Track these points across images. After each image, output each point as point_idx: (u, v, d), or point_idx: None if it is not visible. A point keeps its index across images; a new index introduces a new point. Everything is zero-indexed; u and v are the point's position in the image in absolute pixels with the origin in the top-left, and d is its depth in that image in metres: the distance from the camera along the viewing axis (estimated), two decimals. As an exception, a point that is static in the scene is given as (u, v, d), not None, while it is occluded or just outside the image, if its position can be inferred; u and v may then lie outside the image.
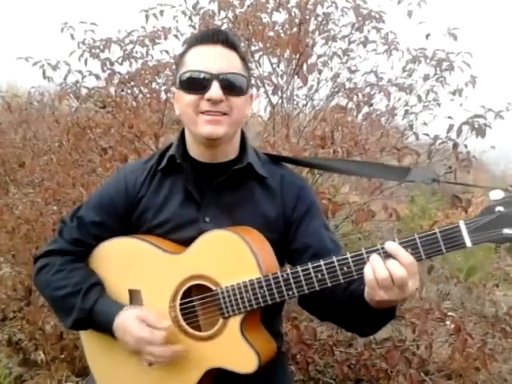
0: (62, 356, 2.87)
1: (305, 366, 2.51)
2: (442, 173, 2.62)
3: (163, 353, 1.21)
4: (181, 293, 1.24)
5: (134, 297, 1.30)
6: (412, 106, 2.96)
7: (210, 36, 1.23)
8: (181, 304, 1.25)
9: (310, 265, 1.14)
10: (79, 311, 1.28)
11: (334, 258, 1.12)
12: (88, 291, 1.29)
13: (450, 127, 2.64)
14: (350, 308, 1.20)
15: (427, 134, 2.83)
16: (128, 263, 1.31)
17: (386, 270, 1.05)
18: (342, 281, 1.12)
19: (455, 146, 2.61)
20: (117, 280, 1.32)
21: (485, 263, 4.17)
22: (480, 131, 2.56)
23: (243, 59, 1.27)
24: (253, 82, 2.61)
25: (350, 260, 1.11)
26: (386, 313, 1.14)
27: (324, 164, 1.57)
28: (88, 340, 1.39)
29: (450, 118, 2.73)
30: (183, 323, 1.25)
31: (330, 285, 1.13)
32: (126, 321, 1.24)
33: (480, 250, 4.99)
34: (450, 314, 2.53)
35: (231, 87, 1.22)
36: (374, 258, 1.07)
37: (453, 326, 2.44)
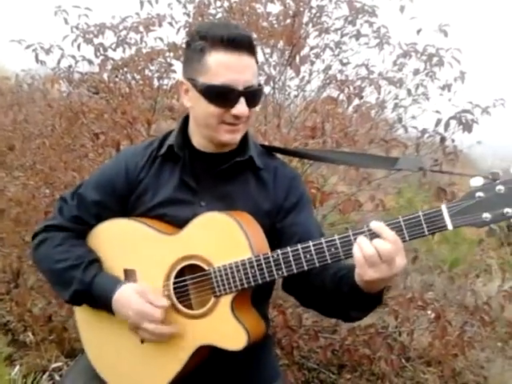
0: (51, 337, 2.90)
1: (290, 351, 2.56)
2: (429, 166, 2.68)
3: (160, 331, 1.25)
4: (174, 272, 1.28)
5: (129, 276, 1.33)
6: (401, 99, 3.00)
7: (235, 42, 1.22)
8: (174, 283, 1.28)
9: (299, 246, 1.19)
10: (79, 283, 1.31)
11: (323, 240, 1.17)
12: (89, 265, 1.33)
13: (438, 121, 2.68)
14: (339, 293, 1.23)
15: (415, 128, 2.88)
16: (124, 244, 1.35)
17: (373, 246, 1.09)
18: (329, 261, 1.17)
19: (442, 139, 2.66)
20: (113, 260, 1.36)
21: (468, 256, 4.25)
22: (467, 126, 2.61)
23: (257, 62, 1.30)
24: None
25: (337, 242, 1.16)
26: (374, 298, 1.19)
27: (314, 154, 1.65)
28: (82, 317, 1.43)
29: (438, 112, 2.77)
30: (176, 301, 1.29)
31: (317, 265, 1.18)
32: (126, 294, 1.27)
33: (464, 242, 5.08)
34: (431, 302, 2.60)
35: (255, 102, 1.28)
36: (361, 238, 1.11)
37: (433, 314, 2.51)
